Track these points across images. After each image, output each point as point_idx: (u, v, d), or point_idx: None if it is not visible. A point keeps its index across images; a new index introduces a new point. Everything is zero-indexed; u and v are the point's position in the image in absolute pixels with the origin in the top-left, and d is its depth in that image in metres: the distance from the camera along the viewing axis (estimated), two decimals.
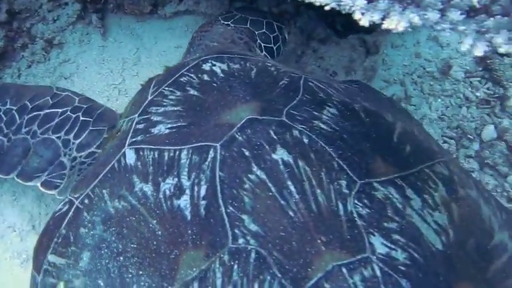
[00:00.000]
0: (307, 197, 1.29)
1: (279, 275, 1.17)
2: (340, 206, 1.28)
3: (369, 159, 1.41)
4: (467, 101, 2.66)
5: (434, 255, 1.27)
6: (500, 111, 2.59)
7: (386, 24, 1.12)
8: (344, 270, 1.17)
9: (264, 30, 2.30)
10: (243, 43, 2.24)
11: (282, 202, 1.27)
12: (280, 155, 1.36)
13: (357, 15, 1.16)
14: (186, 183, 1.35)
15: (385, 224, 1.27)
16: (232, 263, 1.20)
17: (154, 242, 1.29)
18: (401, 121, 1.63)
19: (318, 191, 1.30)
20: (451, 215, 1.38)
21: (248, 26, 2.30)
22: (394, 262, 1.21)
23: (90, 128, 1.96)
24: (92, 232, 1.39)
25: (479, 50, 1.03)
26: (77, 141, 1.94)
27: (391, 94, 2.71)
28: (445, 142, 2.55)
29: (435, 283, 1.22)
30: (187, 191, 1.34)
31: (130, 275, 1.27)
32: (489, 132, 2.54)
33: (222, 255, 1.21)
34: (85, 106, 2.01)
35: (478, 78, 2.70)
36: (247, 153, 1.37)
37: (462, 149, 2.54)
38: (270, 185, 1.30)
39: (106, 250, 1.34)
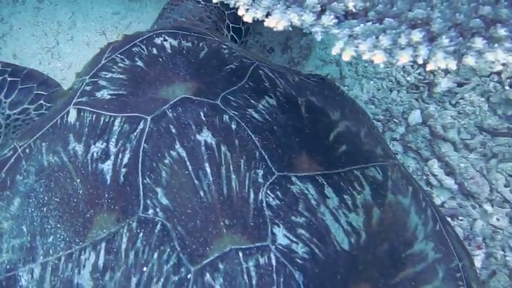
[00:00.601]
0: (221, 180, 1.33)
1: (178, 249, 1.23)
2: (252, 194, 1.32)
3: (294, 153, 1.44)
4: (398, 85, 2.73)
5: (337, 254, 1.31)
6: (428, 97, 2.66)
7: (267, 22, 1.14)
8: (240, 254, 1.23)
9: (234, 10, 2.27)
10: (211, 22, 2.23)
11: (196, 182, 1.32)
12: (205, 136, 1.40)
13: (240, 11, 1.18)
14: (112, 149, 1.40)
15: (293, 218, 1.31)
16: (138, 231, 1.26)
17: (75, 200, 1.35)
18: (352, 121, 1.66)
19: (233, 176, 1.34)
20: (369, 219, 1.42)
21: (218, 4, 2.27)
22: (292, 254, 1.26)
23: (20, 87, 1.99)
24: (25, 180, 1.45)
25: (347, 56, 1.07)
26: (8, 100, 1.97)
27: (326, 73, 2.75)
28: None
29: (331, 280, 1.28)
30: (112, 157, 1.39)
31: (49, 226, 1.34)
32: (415, 116, 2.62)
33: (130, 222, 1.28)
34: (9, 69, 2.03)
35: (411, 63, 2.76)
36: (173, 130, 1.41)
37: (388, 132, 2.62)
38: (188, 163, 1.35)
39: (34, 199, 1.40)
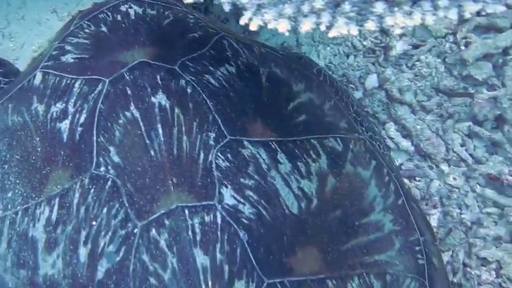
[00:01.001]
0: (172, 141, 1.39)
1: (127, 205, 1.31)
2: (201, 156, 1.38)
3: (248, 119, 1.50)
4: (354, 50, 2.73)
5: (285, 217, 1.37)
6: (384, 61, 2.67)
7: None
8: (186, 211, 1.29)
9: None
10: None
11: (147, 141, 1.38)
12: (159, 99, 1.46)
13: None
14: (71, 109, 1.49)
15: (241, 180, 1.37)
16: (90, 187, 1.34)
17: (33, 157, 1.45)
18: (316, 94, 1.71)
19: (185, 138, 1.40)
20: (322, 186, 1.48)
21: None
22: (238, 214, 1.32)
23: None
24: None
25: (254, 25, 1.07)
26: None
27: (282, 41, 2.74)
28: None
29: (277, 241, 1.33)
30: (70, 117, 1.47)
31: (9, 182, 1.44)
32: (372, 81, 2.63)
33: (83, 179, 1.36)
34: None
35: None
36: (129, 92, 1.47)
37: None
38: (141, 124, 1.42)
39: None
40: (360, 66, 2.68)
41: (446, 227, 2.28)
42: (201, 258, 1.24)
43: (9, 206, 1.40)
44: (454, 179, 2.39)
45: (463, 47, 2.59)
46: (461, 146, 2.46)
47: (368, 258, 1.45)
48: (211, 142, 1.41)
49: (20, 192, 1.41)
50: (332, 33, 0.99)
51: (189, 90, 1.50)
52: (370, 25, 0.97)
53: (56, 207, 1.35)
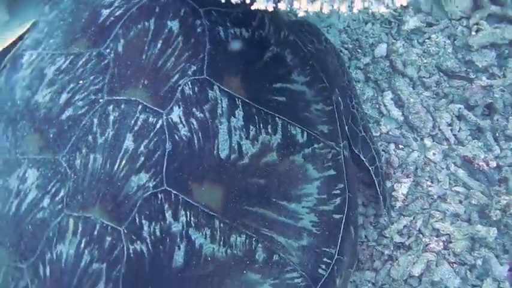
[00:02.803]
0: (162, 56, 1.70)
1: (106, 81, 1.67)
2: (176, 77, 1.67)
3: (230, 73, 1.74)
4: (373, 18, 2.87)
5: (210, 155, 1.62)
6: (396, 33, 2.81)
7: None
8: (139, 106, 1.62)
9: None
10: None
11: (146, 47, 1.71)
12: (172, 24, 1.74)
13: None
14: (115, 3, 1.83)
15: (193, 109, 1.64)
16: (93, 58, 1.74)
17: (78, 23, 1.86)
18: (315, 92, 1.87)
19: (172, 59, 1.70)
20: (260, 154, 1.68)
21: None
22: (174, 130, 1.60)
23: None
24: None
25: None
26: None
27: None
28: (341, 51, 2.81)
29: (192, 166, 1.59)
30: (111, 8, 1.83)
31: (58, 34, 1.89)
32: (381, 49, 2.78)
33: (93, 51, 1.75)
34: None
35: None
36: (157, 9, 1.77)
37: (354, 60, 2.81)
38: (150, 34, 1.73)
39: None
40: (374, 34, 2.83)
41: (414, 195, 2.48)
42: (128, 142, 1.57)
43: (49, 48, 1.86)
44: (434, 154, 2.56)
45: (473, 33, 2.69)
46: (448, 125, 2.61)
47: (266, 231, 1.62)
48: (190, 72, 1.68)
49: (58, 44, 1.85)
50: (254, 7, 1.23)
51: (198, 30, 1.75)
52: (282, 5, 1.21)
53: (68, 61, 1.77)
